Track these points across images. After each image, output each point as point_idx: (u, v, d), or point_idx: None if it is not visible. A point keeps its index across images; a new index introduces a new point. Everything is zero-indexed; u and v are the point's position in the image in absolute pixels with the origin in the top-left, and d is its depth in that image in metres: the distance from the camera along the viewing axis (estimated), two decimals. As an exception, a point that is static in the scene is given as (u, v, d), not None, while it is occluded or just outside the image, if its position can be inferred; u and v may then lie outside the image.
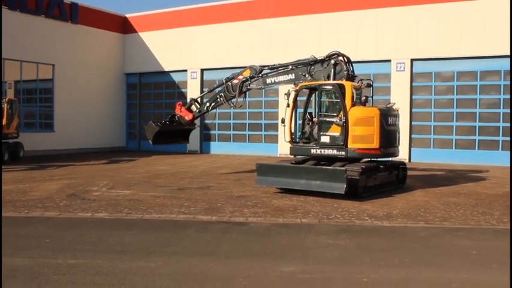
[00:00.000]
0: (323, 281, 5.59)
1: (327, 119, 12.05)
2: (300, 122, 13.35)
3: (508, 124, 19.46)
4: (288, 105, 12.47)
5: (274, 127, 23.73)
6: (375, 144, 11.59)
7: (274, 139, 24.05)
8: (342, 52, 12.83)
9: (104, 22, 27.42)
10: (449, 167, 18.60)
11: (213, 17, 25.90)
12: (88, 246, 6.98)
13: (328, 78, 12.61)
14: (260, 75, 14.45)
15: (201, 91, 24.98)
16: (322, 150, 11.95)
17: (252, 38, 24.63)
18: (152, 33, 27.81)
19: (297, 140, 12.86)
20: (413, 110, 21.48)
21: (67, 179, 14.32)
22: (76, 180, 13.92)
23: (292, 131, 12.71)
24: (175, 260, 6.30)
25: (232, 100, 15.16)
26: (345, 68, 12.55)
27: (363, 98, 12.31)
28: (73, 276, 5.55)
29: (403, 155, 16.00)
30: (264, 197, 11.30)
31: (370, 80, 13.56)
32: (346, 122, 11.59)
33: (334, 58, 12.70)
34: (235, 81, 14.91)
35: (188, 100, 17.39)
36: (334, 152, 11.78)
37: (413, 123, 21.47)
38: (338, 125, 11.73)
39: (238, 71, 15.55)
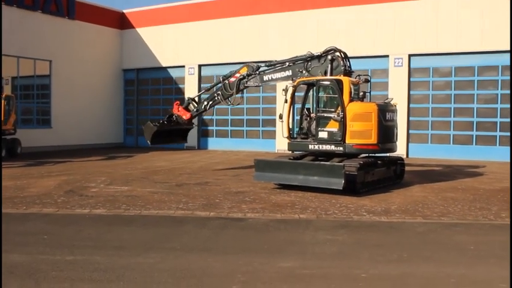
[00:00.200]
0: (322, 276, 5.59)
1: (325, 115, 12.05)
2: (298, 117, 13.34)
3: (506, 119, 19.50)
4: (286, 101, 12.47)
5: (272, 123, 23.72)
6: (373, 139, 11.60)
7: (272, 135, 24.04)
8: (338, 48, 12.81)
9: (101, 18, 27.31)
10: (447, 162, 18.63)
11: (210, 12, 25.82)
12: (86, 242, 6.98)
13: (325, 74, 12.59)
14: (257, 72, 14.41)
15: (199, 87, 24.97)
16: (320, 146, 11.95)
17: (250, 33, 24.57)
18: (150, 28, 27.73)
19: (295, 135, 12.86)
20: (411, 105, 21.48)
21: (65, 175, 14.30)
22: (74, 177, 13.90)
23: (290, 126, 12.71)
24: (174, 256, 6.30)
25: (229, 98, 15.13)
26: (342, 64, 12.52)
27: (361, 94, 12.32)
28: (71, 273, 5.54)
29: (400, 150, 16.02)
30: (262, 192, 11.30)
31: (368, 75, 13.53)
32: (344, 117, 11.59)
33: (331, 54, 12.67)
34: (232, 79, 14.86)
35: (186, 98, 17.36)
36: (332, 147, 11.78)
37: (411, 118, 21.48)
38: (336, 120, 11.73)
39: (235, 67, 15.52)
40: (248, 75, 14.52)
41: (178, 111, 15.96)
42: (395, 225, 8.24)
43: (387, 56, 21.65)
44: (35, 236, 7.31)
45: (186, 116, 15.89)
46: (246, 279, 5.41)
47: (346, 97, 11.66)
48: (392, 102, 12.48)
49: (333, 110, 11.93)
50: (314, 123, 12.25)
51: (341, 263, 6.09)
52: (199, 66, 26.29)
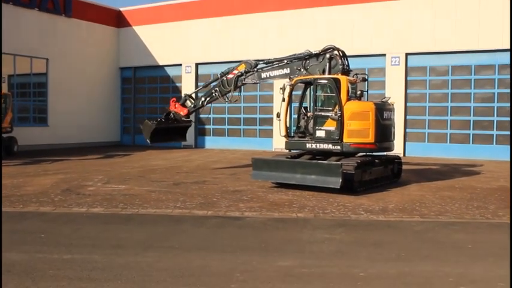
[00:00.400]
0: (320, 275, 5.59)
1: (322, 114, 12.05)
2: (295, 116, 13.34)
3: (502, 118, 19.55)
4: (283, 100, 12.45)
5: (269, 121, 23.72)
6: (370, 138, 11.61)
7: (269, 133, 24.02)
8: (337, 46, 12.81)
9: (98, 16, 27.24)
10: (444, 161, 18.67)
11: (207, 10, 25.78)
12: (84, 241, 6.96)
13: (324, 72, 12.59)
14: (255, 69, 14.42)
15: (196, 85, 24.90)
16: (318, 145, 11.95)
17: (247, 32, 24.54)
18: (147, 27, 27.67)
19: (292, 134, 12.85)
20: (408, 104, 21.50)
21: (62, 173, 14.26)
22: (71, 175, 13.86)
23: (288, 125, 12.70)
24: (172, 255, 6.29)
25: (227, 95, 15.13)
26: (340, 62, 12.53)
27: (358, 92, 12.32)
28: (69, 271, 5.53)
29: (397, 149, 16.02)
30: (260, 191, 11.30)
31: (365, 74, 13.56)
32: (342, 116, 11.58)
33: (329, 52, 12.67)
34: (230, 75, 14.86)
35: (182, 95, 17.35)
36: (330, 146, 11.78)
37: (408, 117, 21.50)
38: (333, 119, 11.73)
39: (233, 65, 15.50)
40: (246, 72, 14.52)
41: (175, 107, 15.95)
42: (393, 224, 8.25)
43: (384, 54, 21.66)
44: (32, 235, 7.28)
45: (183, 111, 15.89)
46: (244, 278, 5.41)
47: (343, 96, 11.66)
48: (389, 101, 12.49)
49: (331, 108, 11.94)
50: (311, 122, 12.25)
51: (339, 262, 6.09)
52: (196, 64, 26.26)
